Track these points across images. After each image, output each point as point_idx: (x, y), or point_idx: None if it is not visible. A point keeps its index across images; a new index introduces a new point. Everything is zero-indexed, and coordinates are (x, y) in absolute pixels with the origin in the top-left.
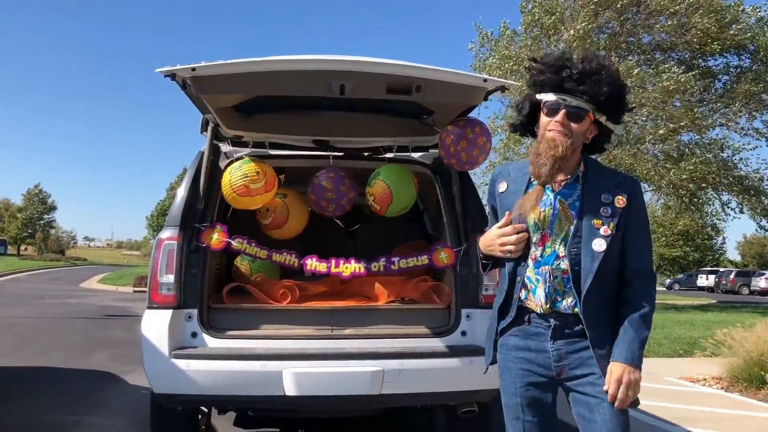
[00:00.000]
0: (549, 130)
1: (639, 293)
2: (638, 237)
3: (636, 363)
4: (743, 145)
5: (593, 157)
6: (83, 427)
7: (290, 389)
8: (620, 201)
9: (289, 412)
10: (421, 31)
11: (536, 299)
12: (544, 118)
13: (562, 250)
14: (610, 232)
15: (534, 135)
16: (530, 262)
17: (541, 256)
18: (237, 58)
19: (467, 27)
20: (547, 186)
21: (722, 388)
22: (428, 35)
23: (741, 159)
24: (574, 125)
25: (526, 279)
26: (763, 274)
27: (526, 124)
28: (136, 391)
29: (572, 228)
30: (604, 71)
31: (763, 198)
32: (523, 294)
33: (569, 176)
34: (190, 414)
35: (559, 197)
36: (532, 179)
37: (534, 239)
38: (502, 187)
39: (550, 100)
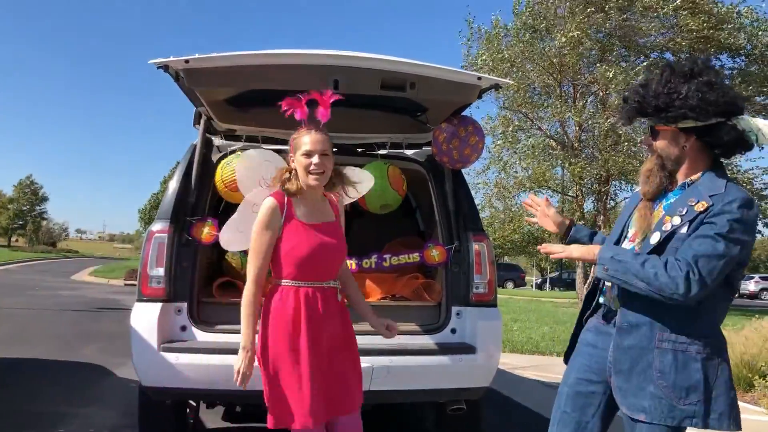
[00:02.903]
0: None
1: (658, 259)
2: (694, 239)
3: (601, 260)
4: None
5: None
6: (73, 418)
7: None
8: (701, 206)
9: None
10: (418, 27)
11: (612, 292)
12: None
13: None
14: (671, 226)
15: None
16: None
17: None
18: (231, 51)
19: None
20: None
21: None
22: (424, 31)
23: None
24: (655, 142)
25: None
26: (752, 277)
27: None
28: (126, 384)
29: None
30: (652, 82)
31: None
32: (610, 289)
33: (679, 186)
34: (178, 407)
35: (659, 202)
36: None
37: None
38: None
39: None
